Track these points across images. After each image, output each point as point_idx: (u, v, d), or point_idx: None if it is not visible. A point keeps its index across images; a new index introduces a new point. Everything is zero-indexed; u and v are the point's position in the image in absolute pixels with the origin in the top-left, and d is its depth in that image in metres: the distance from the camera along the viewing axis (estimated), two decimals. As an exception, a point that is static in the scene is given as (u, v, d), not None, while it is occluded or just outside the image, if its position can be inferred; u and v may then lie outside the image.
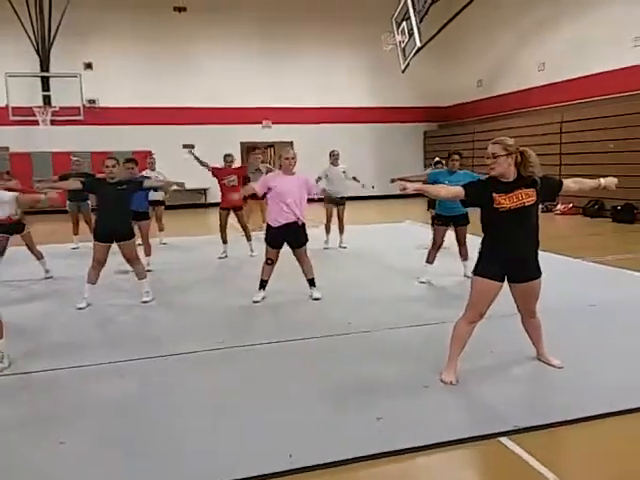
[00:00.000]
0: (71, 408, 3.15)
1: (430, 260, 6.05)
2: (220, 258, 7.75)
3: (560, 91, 13.72)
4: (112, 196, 5.24)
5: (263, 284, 5.40)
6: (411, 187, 3.26)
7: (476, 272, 3.26)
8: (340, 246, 8.48)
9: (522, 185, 3.14)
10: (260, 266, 5.42)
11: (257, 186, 5.33)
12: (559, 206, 13.06)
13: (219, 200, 8.02)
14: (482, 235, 3.33)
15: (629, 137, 11.32)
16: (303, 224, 5.27)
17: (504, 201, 3.11)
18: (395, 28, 14.72)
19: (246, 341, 4.20)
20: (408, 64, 14.69)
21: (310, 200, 5.37)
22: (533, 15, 14.57)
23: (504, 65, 16.03)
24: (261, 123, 17.84)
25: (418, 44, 13.48)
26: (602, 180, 3.50)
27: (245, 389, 3.36)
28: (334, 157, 8.40)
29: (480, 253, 3.29)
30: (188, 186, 17.56)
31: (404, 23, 14.19)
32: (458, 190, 3.24)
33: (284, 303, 5.36)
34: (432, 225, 6.06)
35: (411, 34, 13.73)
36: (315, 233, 8.49)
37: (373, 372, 3.54)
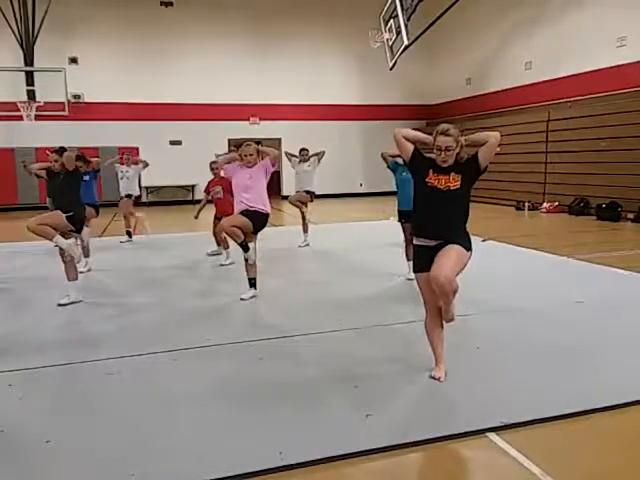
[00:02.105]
0: (55, 404, 3.14)
1: (410, 257, 6.07)
2: (208, 255, 7.71)
3: (547, 90, 13.85)
4: (57, 185, 5.33)
5: (251, 282, 5.40)
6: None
7: (414, 270, 3.41)
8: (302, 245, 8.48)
9: (453, 170, 3.26)
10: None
11: (226, 163, 5.48)
12: (545, 204, 13.20)
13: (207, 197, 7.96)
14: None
15: (614, 136, 11.46)
16: (256, 212, 5.17)
17: (435, 180, 3.26)
18: (383, 26, 14.74)
19: (229, 339, 4.18)
20: (396, 62, 14.72)
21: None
22: (520, 14, 14.67)
23: (492, 64, 16.13)
24: (249, 120, 17.78)
25: (406, 42, 13.51)
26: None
27: (233, 387, 3.35)
28: (303, 156, 8.53)
29: (413, 249, 3.42)
30: (175, 183, 17.43)
31: (392, 21, 14.22)
32: (410, 146, 3.36)
33: (266, 300, 5.34)
34: (399, 221, 6.11)
35: (399, 32, 13.76)
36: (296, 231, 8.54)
37: (362, 369, 3.56)
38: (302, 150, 8.61)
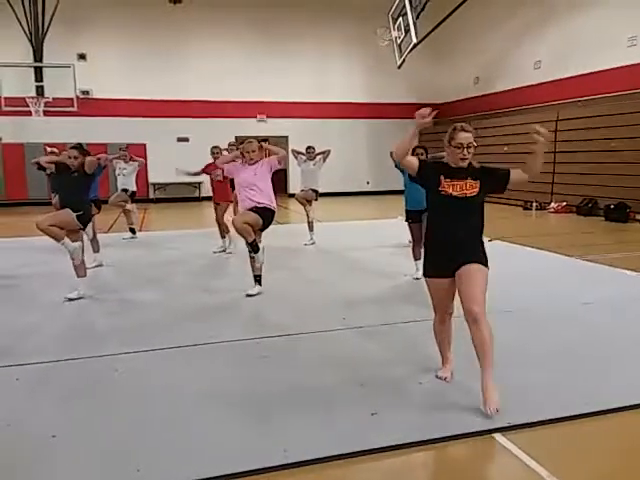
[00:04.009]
0: (61, 398, 3.16)
1: (417, 257, 6.03)
2: (215, 252, 7.72)
3: (555, 89, 13.76)
4: (67, 181, 5.30)
5: (256, 278, 5.40)
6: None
7: (424, 274, 3.24)
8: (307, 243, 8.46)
9: (469, 175, 3.05)
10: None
11: (225, 163, 5.45)
12: (552, 204, 13.13)
13: (211, 194, 8.13)
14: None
15: (623, 136, 11.38)
16: (265, 208, 5.19)
17: (448, 187, 3.04)
18: (391, 24, 14.69)
19: (234, 337, 4.19)
20: (404, 60, 14.67)
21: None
22: (530, 13, 14.58)
23: (500, 62, 16.05)
24: (256, 117, 17.78)
25: (414, 40, 13.46)
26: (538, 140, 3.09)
27: (238, 384, 3.35)
28: (309, 153, 8.56)
29: (425, 252, 3.24)
30: (182, 180, 17.44)
31: (400, 19, 14.17)
32: (413, 160, 3.12)
33: (271, 298, 5.32)
34: (406, 221, 6.07)
35: (407, 30, 13.71)
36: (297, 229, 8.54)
37: (368, 368, 3.55)
38: (309, 148, 8.64)
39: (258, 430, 2.78)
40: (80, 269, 5.31)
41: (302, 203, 8.57)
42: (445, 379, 3.31)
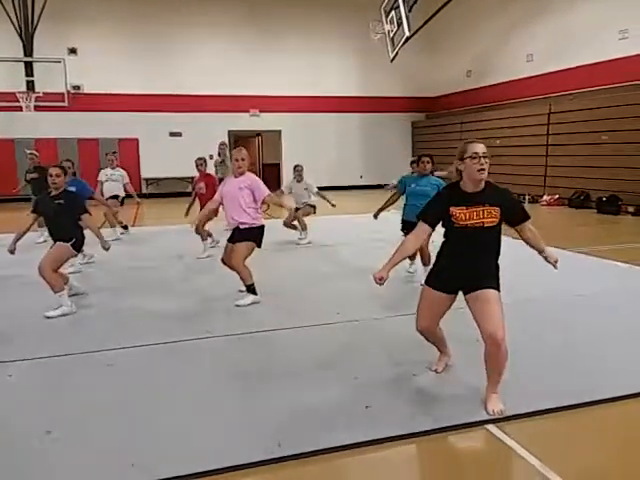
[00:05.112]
0: (56, 394, 3.15)
1: (412, 257, 6.00)
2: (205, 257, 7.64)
3: (548, 82, 13.79)
4: (52, 210, 4.81)
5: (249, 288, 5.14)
6: (385, 274, 3.02)
7: (426, 282, 3.08)
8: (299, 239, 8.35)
9: (487, 201, 2.75)
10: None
11: (217, 196, 5.16)
12: (545, 197, 13.19)
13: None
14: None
15: (615, 129, 11.43)
16: (248, 229, 4.93)
17: (461, 216, 2.75)
18: (384, 17, 14.64)
19: (228, 331, 4.21)
20: (397, 53, 14.64)
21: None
22: (522, 6, 14.58)
23: (493, 56, 16.05)
24: (249, 112, 17.71)
25: (407, 33, 13.43)
26: (548, 249, 3.18)
27: (232, 378, 3.36)
28: (297, 172, 8.24)
29: (434, 263, 3.09)
30: (175, 174, 17.37)
31: (393, 12, 14.12)
32: (422, 231, 2.93)
33: (264, 293, 5.26)
34: (402, 230, 5.95)
35: (400, 23, 13.67)
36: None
37: (361, 361, 3.57)
38: (296, 167, 8.28)
39: (252, 423, 2.79)
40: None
41: (297, 217, 8.25)
42: (436, 370, 3.34)
